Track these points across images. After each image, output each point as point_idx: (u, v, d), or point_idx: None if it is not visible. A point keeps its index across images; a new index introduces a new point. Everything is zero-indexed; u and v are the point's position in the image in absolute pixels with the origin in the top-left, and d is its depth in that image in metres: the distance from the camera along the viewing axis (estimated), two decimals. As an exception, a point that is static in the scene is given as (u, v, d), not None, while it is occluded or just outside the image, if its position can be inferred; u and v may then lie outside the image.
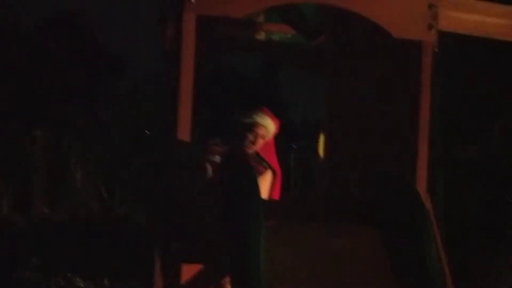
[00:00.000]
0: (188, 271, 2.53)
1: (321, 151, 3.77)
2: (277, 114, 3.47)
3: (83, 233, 6.32)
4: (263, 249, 2.06)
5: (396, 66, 2.84)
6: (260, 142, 3.36)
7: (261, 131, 3.34)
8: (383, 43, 2.79)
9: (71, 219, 7.08)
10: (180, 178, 2.40)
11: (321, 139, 3.75)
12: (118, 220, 7.13)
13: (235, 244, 2.08)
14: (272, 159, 3.50)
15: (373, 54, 3.02)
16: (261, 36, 3.71)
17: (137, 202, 7.31)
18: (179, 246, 2.25)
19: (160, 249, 2.33)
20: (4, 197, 7.26)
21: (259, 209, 2.11)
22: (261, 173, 3.40)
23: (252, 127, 3.31)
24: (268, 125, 3.35)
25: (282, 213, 2.49)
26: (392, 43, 2.67)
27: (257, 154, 3.41)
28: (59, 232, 6.37)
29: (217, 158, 3.28)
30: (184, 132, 2.41)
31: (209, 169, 3.28)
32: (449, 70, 6.21)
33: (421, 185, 2.56)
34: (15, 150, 7.93)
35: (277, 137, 3.47)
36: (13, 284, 4.97)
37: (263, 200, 2.30)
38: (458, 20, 2.80)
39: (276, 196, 3.49)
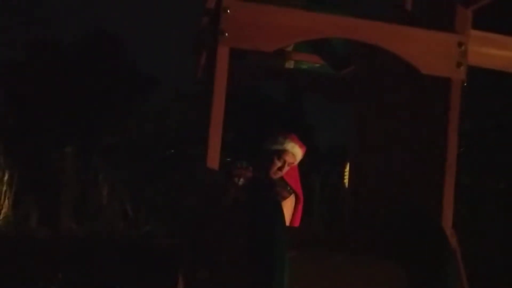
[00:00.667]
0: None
1: (346, 178, 3.77)
2: (302, 137, 3.50)
3: (107, 249, 6.38)
4: (286, 282, 2.08)
5: (424, 99, 2.85)
6: (286, 169, 3.40)
7: (289, 159, 3.38)
8: (411, 76, 2.81)
9: (96, 235, 7.16)
10: (203, 199, 2.43)
11: (347, 167, 3.75)
12: (143, 238, 7.19)
13: (258, 276, 2.10)
14: (296, 183, 3.52)
15: (401, 87, 3.04)
16: (290, 64, 3.75)
17: (162, 221, 7.37)
18: (206, 275, 2.27)
19: (185, 276, 2.35)
20: (33, 211, 7.40)
21: (282, 241, 2.14)
22: (284, 198, 3.43)
23: (281, 154, 3.35)
24: (297, 153, 3.39)
25: (305, 243, 2.51)
26: (421, 77, 2.68)
27: (282, 178, 3.45)
28: (85, 248, 6.45)
29: (241, 181, 3.32)
30: (213, 158, 2.45)
31: (232, 192, 3.31)
32: (479, 100, 6.15)
33: (447, 221, 2.54)
34: (45, 165, 8.10)
35: (301, 161, 3.50)
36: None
37: (286, 229, 2.32)
38: (488, 56, 2.80)
39: (298, 220, 3.51)
